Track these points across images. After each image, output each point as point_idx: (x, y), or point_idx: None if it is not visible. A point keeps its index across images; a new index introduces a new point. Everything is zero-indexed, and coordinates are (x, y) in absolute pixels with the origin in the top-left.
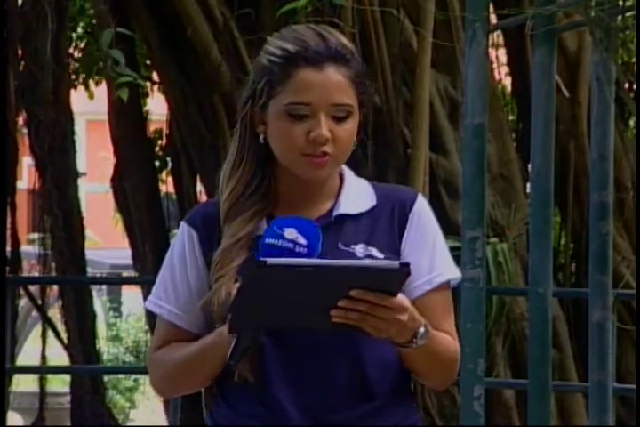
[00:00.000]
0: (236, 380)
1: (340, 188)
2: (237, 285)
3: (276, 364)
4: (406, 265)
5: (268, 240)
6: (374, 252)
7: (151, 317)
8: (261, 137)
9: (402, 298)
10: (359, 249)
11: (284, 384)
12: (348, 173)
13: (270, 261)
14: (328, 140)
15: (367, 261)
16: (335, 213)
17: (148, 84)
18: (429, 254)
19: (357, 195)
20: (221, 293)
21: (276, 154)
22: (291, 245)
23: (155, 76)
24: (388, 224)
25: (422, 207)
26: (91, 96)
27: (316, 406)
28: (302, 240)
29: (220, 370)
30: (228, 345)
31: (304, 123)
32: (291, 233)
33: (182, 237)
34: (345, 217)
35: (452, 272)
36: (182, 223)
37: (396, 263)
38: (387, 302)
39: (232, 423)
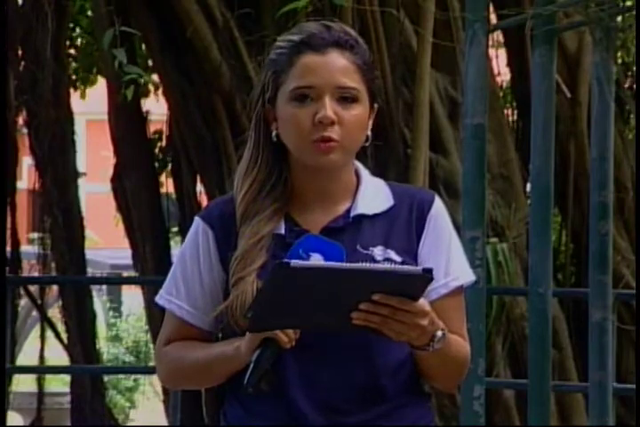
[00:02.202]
0: (250, 391)
1: (357, 187)
2: (260, 284)
3: (291, 364)
4: (429, 271)
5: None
6: (392, 255)
7: (152, 316)
8: (274, 133)
9: (423, 303)
10: (377, 252)
11: (299, 385)
12: (365, 173)
13: (294, 263)
14: (334, 122)
15: (390, 266)
16: (353, 213)
17: (151, 84)
18: (446, 258)
19: (374, 194)
20: (244, 297)
21: (286, 144)
22: None
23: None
24: (405, 226)
25: (439, 210)
26: (83, 96)
27: (332, 408)
28: None
29: (230, 377)
30: (243, 361)
31: (310, 106)
32: (317, 259)
33: (196, 234)
34: (362, 217)
35: (467, 276)
36: (197, 220)
37: (419, 269)
38: (408, 306)
39: (247, 424)
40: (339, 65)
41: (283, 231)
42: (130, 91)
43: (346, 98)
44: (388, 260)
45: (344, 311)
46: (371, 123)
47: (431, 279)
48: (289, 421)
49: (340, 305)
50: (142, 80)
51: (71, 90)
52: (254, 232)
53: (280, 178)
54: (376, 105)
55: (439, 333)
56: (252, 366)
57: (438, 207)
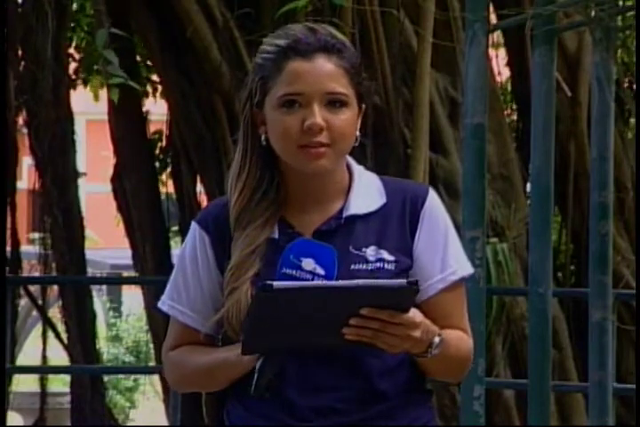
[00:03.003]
0: (253, 394)
1: (350, 185)
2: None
3: (291, 368)
4: (414, 283)
5: (285, 270)
6: (385, 254)
7: (152, 316)
8: (263, 138)
9: (413, 314)
10: (370, 252)
11: (299, 386)
12: (358, 170)
13: (277, 284)
14: (323, 129)
15: (374, 281)
16: (345, 213)
17: (148, 84)
18: (442, 252)
19: (367, 193)
20: (238, 306)
21: (275, 149)
22: (309, 277)
23: (155, 77)
24: (398, 223)
25: (434, 204)
26: (96, 98)
27: (331, 409)
28: (320, 271)
29: (234, 382)
30: (246, 367)
31: (298, 113)
32: (309, 264)
33: (194, 239)
34: (355, 218)
35: (464, 269)
36: (193, 224)
37: (403, 281)
38: (398, 319)
39: (247, 424)
40: (326, 70)
41: (276, 236)
42: (115, 93)
43: (334, 103)
44: (380, 260)
45: (335, 328)
46: (359, 123)
47: (417, 291)
48: (289, 421)
49: (329, 322)
50: (130, 83)
51: (71, 90)
52: (248, 243)
53: (272, 183)
54: (364, 106)
55: (436, 339)
56: (256, 375)
57: (432, 202)
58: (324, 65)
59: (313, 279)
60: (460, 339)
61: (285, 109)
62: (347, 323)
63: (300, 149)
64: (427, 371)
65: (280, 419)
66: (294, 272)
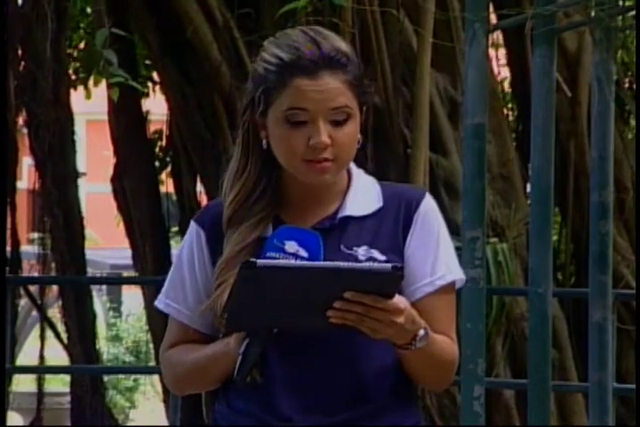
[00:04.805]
0: (248, 381)
1: (348, 188)
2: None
3: (275, 365)
4: (399, 269)
5: (268, 254)
6: (376, 254)
7: (152, 316)
8: (264, 142)
9: (398, 300)
10: (361, 251)
11: (283, 385)
12: (357, 173)
13: (260, 262)
14: (328, 146)
15: (358, 264)
16: (340, 215)
17: (149, 84)
18: (432, 256)
19: (364, 196)
20: (223, 299)
21: (279, 160)
22: (292, 259)
23: (155, 76)
24: (392, 225)
25: (428, 208)
26: (88, 96)
27: (314, 407)
28: (303, 253)
29: (228, 376)
30: (234, 356)
31: (303, 129)
32: (291, 246)
33: (191, 237)
34: (350, 219)
35: (454, 274)
36: (191, 222)
37: (388, 266)
38: (381, 304)
39: (230, 422)
40: (331, 87)
41: (269, 234)
42: (115, 92)
43: (339, 117)
44: (371, 259)
45: (319, 310)
46: (359, 124)
47: (401, 277)
48: (272, 420)
49: (313, 304)
50: (130, 82)
51: (71, 90)
52: (240, 239)
53: (269, 183)
54: (365, 107)
55: (421, 332)
56: (239, 358)
57: (427, 205)
58: (329, 82)
59: (296, 261)
60: (445, 341)
61: (290, 126)
62: (331, 306)
63: (304, 162)
64: (411, 372)
65: (263, 418)
66: (277, 255)
